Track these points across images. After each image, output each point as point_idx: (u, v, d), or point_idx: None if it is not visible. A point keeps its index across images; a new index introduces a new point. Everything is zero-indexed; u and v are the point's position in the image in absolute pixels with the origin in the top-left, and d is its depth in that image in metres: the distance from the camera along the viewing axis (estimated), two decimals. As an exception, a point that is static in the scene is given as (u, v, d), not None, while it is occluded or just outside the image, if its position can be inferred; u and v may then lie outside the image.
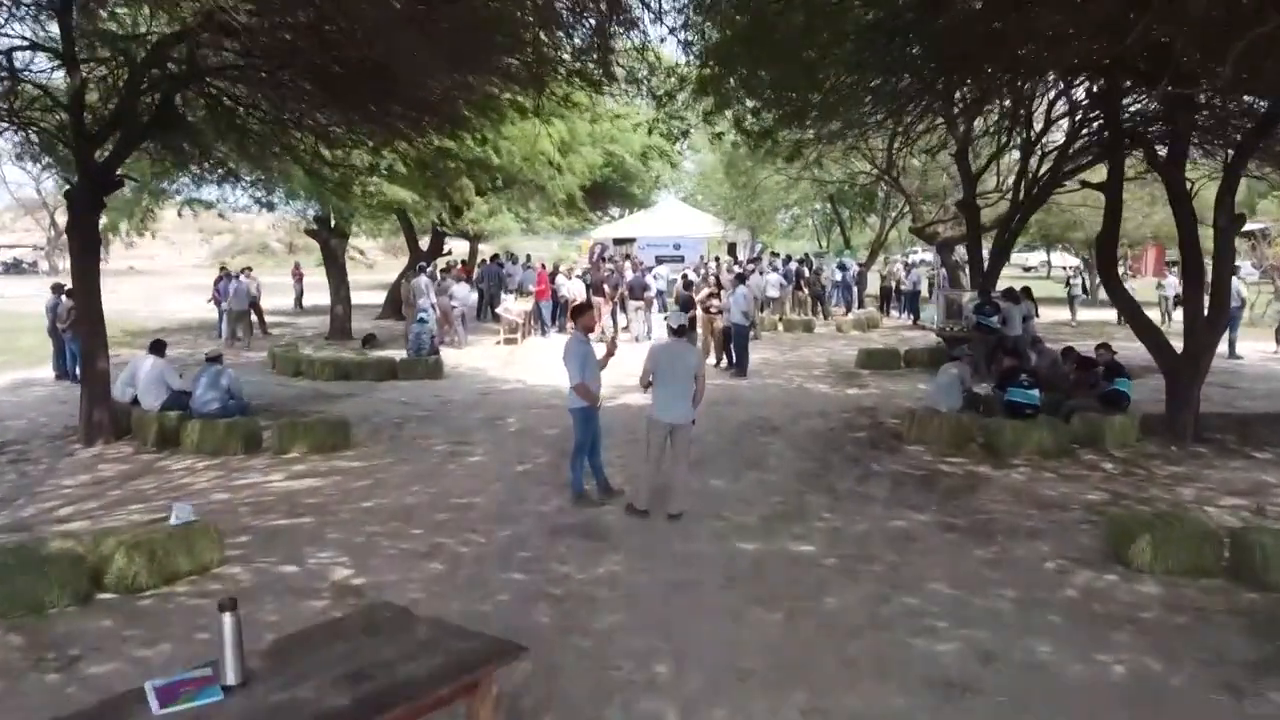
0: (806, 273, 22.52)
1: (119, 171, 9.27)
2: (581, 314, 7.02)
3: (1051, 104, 12.40)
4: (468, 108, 10.50)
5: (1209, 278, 8.80)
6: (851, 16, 8.23)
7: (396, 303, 20.24)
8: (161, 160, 11.15)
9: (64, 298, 12.16)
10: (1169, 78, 6.01)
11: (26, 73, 9.34)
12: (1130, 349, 13.04)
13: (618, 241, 30.87)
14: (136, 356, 9.99)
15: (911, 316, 21.76)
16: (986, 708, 3.93)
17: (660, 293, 21.08)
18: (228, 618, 2.78)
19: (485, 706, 3.02)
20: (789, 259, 23.30)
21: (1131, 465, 8.08)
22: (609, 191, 27.71)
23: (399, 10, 7.95)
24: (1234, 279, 10.58)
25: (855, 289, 23.50)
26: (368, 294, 27.19)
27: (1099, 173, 14.22)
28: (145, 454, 8.61)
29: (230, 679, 2.75)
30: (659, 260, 25.33)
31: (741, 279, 14.69)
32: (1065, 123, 12.83)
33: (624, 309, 18.18)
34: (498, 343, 17.05)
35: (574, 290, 18.09)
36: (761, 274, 19.89)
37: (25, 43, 8.92)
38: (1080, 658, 4.40)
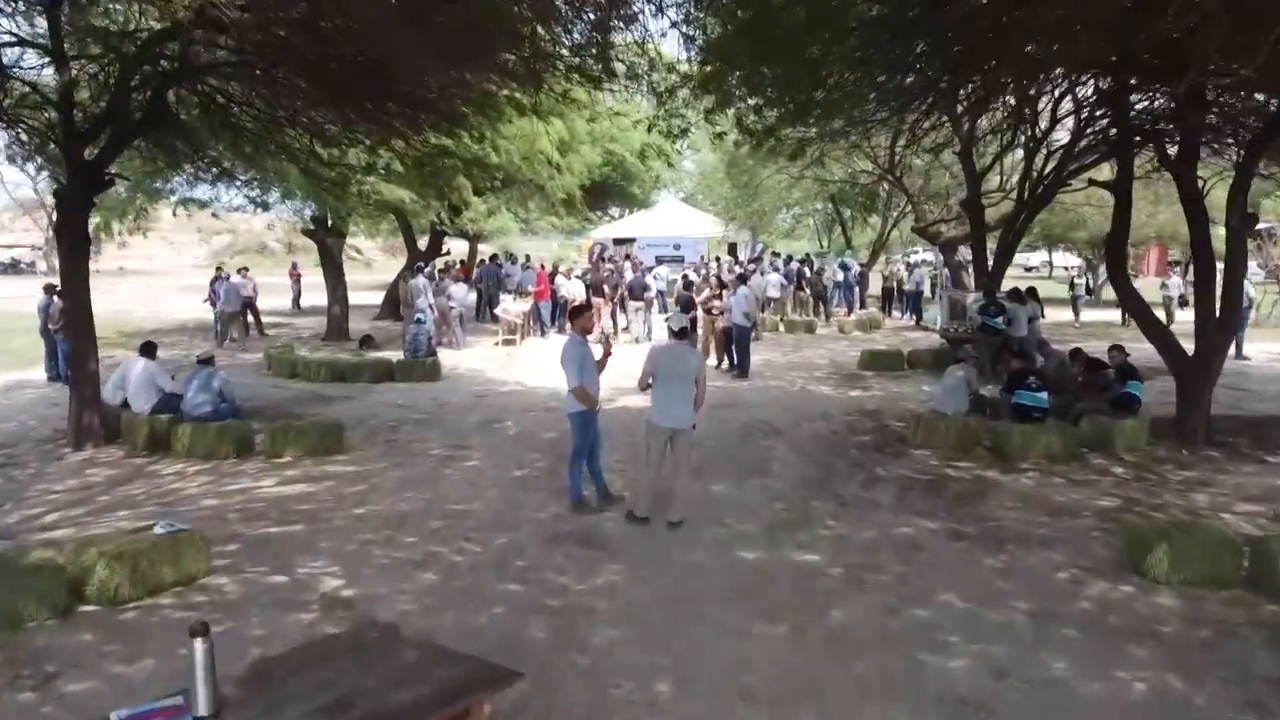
0: (808, 273, 22.34)
1: (110, 170, 9.11)
2: (579, 315, 6.83)
3: (1057, 102, 12.20)
4: (465, 105, 10.32)
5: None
6: (855, 12, 8.06)
7: (395, 303, 20.06)
8: (154, 159, 10.96)
9: (56, 298, 11.99)
10: (1189, 74, 5.81)
11: (15, 70, 9.17)
12: (1135, 350, 12.87)
13: (618, 241, 30.70)
14: (127, 358, 9.82)
15: (914, 317, 21.59)
16: (1003, 729, 3.77)
17: (660, 293, 20.92)
18: (199, 644, 2.60)
19: (477, 734, 2.85)
20: (790, 259, 23.11)
21: (1143, 470, 7.90)
22: (609, 191, 27.52)
23: (395, 6, 7.79)
24: (1242, 279, 10.40)
25: (857, 289, 23.32)
26: (366, 294, 27.01)
27: (1103, 172, 14.11)
28: (135, 458, 8.43)
29: (202, 709, 2.58)
30: (659, 260, 25.17)
31: (743, 279, 14.50)
32: (1070, 121, 12.69)
33: (624, 310, 18.00)
34: (496, 344, 16.88)
35: (573, 291, 17.92)
36: (762, 274, 19.71)
37: (13, 39, 8.74)
38: (1098, 674, 4.23)
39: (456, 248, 29.03)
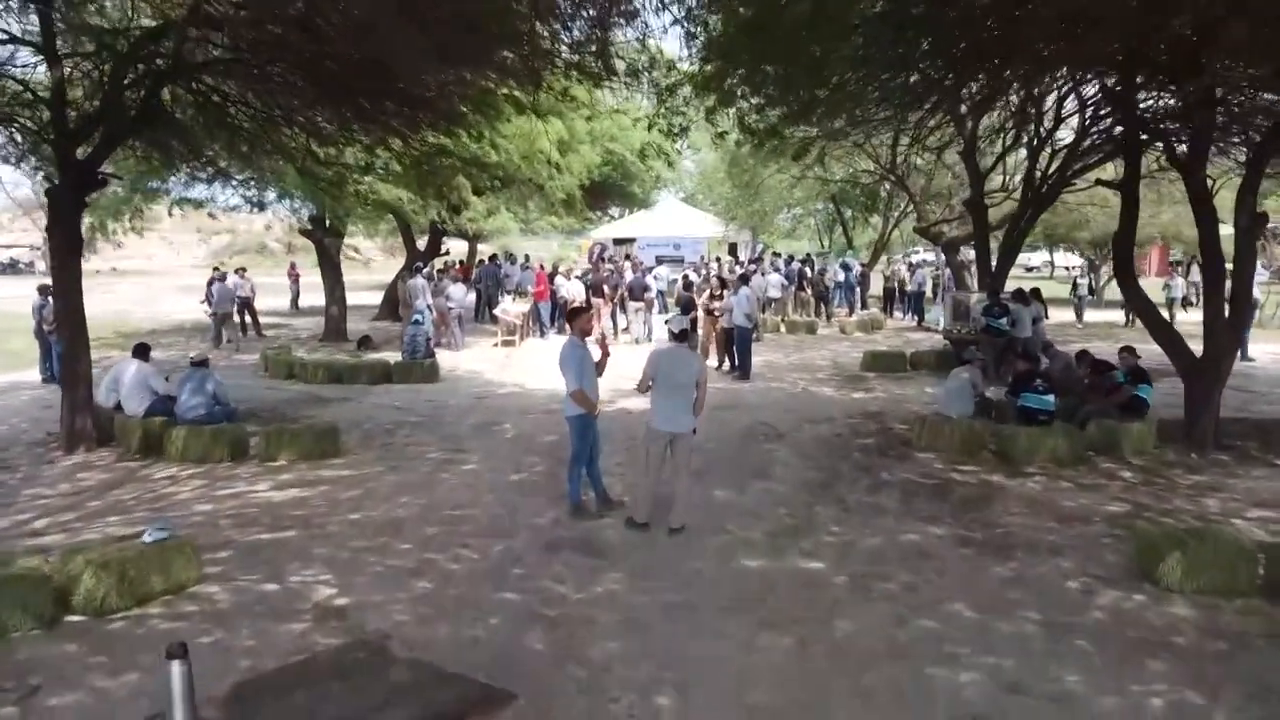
0: (809, 273, 22.20)
1: (103, 170, 8.98)
2: (577, 317, 6.69)
3: (1061, 100, 12.07)
4: (463, 104, 10.20)
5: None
6: (858, 9, 7.94)
7: (394, 303, 19.96)
8: (148, 158, 10.82)
9: (50, 299, 11.84)
10: (1204, 73, 5.68)
11: (7, 68, 9.04)
12: (1140, 351, 12.74)
13: (617, 241, 30.58)
14: (120, 360, 9.69)
15: (916, 318, 21.45)
16: (1016, 747, 3.64)
17: (661, 293, 20.79)
18: (176, 667, 2.47)
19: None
20: (791, 259, 22.97)
21: (1151, 474, 7.77)
22: (609, 191, 27.38)
23: (391, 2, 7.65)
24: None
25: (858, 290, 23.17)
26: (365, 294, 26.88)
27: (1106, 171, 13.99)
28: (128, 462, 8.30)
29: (180, 735, 2.45)
30: (659, 261, 25.04)
31: (745, 279, 14.37)
32: (1074, 120, 12.57)
33: (623, 310, 17.87)
34: (495, 345, 16.74)
35: (573, 291, 17.78)
36: (763, 274, 19.58)
37: (5, 36, 8.60)
38: (1113, 688, 4.10)
39: (456, 248, 28.85)
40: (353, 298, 21.49)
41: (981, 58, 8.94)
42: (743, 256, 29.78)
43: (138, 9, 9.29)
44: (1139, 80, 8.88)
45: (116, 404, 8.98)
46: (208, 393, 8.57)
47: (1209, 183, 8.45)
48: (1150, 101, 10.16)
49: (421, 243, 22.00)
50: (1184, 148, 8.92)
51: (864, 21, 8.05)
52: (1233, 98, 8.63)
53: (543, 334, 18.00)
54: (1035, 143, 12.61)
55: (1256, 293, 15.82)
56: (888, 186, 24.70)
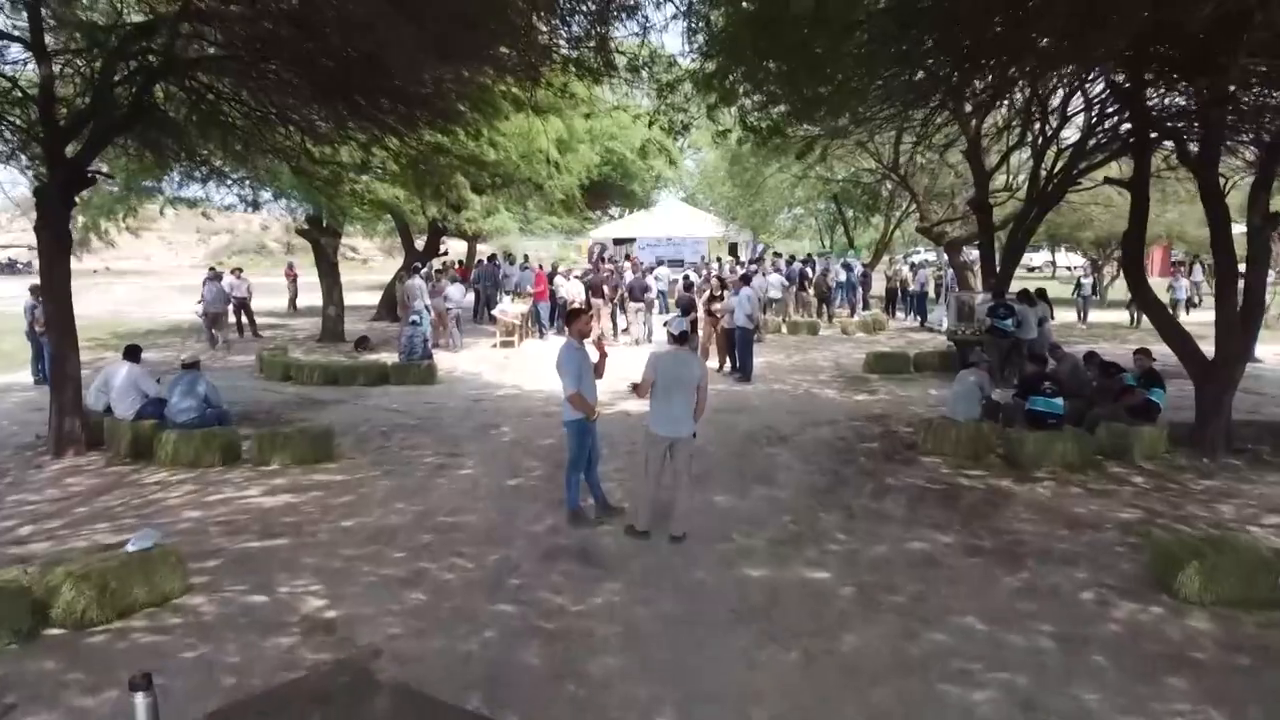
0: (810, 273, 22.02)
1: (92, 168, 8.82)
2: (576, 319, 6.51)
3: (1067, 98, 11.90)
4: (460, 101, 10.03)
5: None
6: (863, 4, 7.77)
7: (392, 304, 19.80)
8: (140, 157, 10.65)
9: (42, 299, 11.68)
10: (1221, 70, 5.51)
11: (-4, 64, 8.89)
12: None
13: (617, 241, 30.45)
14: (111, 362, 9.52)
15: (918, 318, 21.28)
16: (1034, 772, 3.47)
17: (662, 293, 20.62)
18: (140, 700, 2.30)
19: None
20: (793, 259, 22.78)
21: (1163, 479, 7.60)
22: (609, 190, 27.21)
23: (387, -2, 7.49)
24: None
25: (860, 290, 22.98)
26: (364, 294, 26.73)
27: (1110, 170, 13.82)
28: (117, 466, 8.14)
29: (145, 771, 2.28)
30: (660, 261, 24.87)
31: (746, 280, 14.19)
32: (1080, 118, 12.41)
33: (623, 311, 17.70)
34: (494, 345, 16.58)
35: (572, 291, 17.61)
36: (764, 275, 19.41)
37: (-8, 32, 8.46)
38: (1133, 708, 3.93)
39: (455, 248, 28.67)
40: (351, 298, 21.34)
41: (987, 55, 8.77)
42: (743, 256, 29.61)
43: (128, 4, 9.12)
44: (1149, 77, 8.72)
45: (106, 406, 8.80)
46: (199, 395, 8.40)
47: (1221, 181, 8.23)
48: (1158, 99, 10.01)
49: (420, 243, 21.83)
50: (1193, 146, 8.79)
51: (869, 17, 7.89)
52: (1241, 95, 8.47)
53: (542, 335, 17.84)
54: (1041, 141, 12.42)
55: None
56: (890, 186, 24.53)
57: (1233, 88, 7.89)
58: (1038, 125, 12.50)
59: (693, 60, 8.41)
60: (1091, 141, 11.76)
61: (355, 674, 2.85)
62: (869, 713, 3.90)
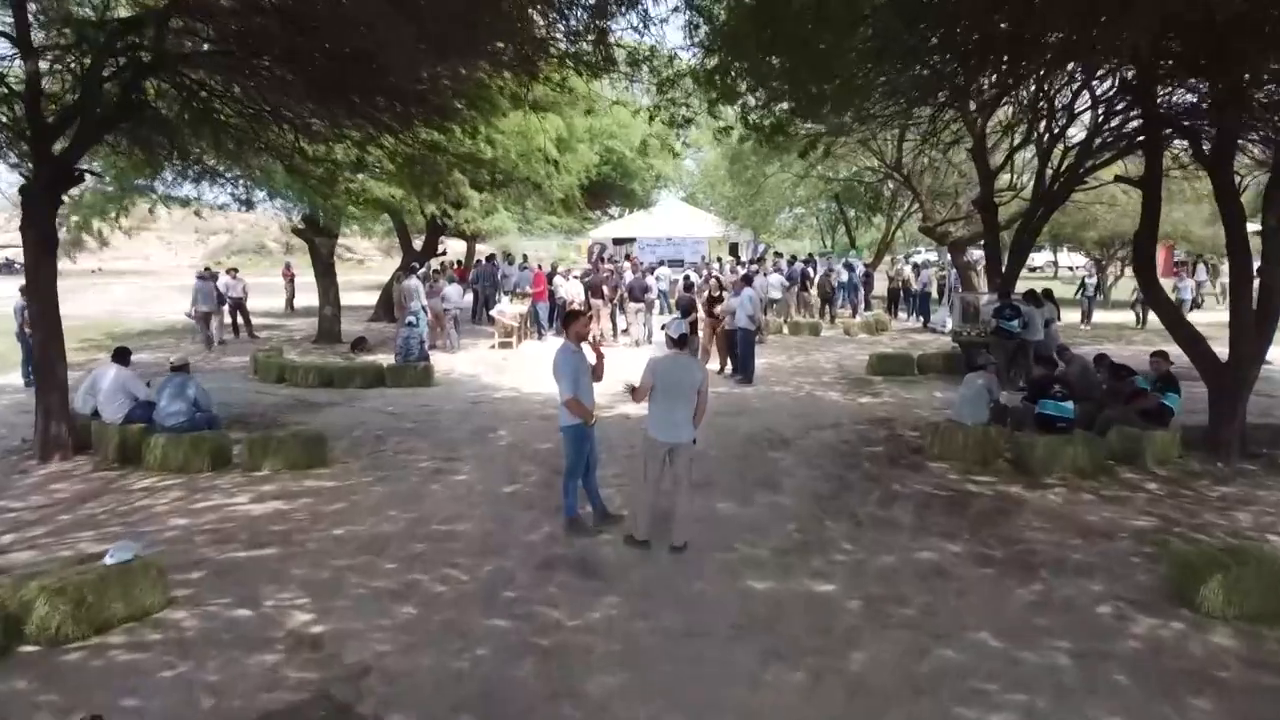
0: (812, 273, 21.82)
1: (80, 165, 8.63)
2: (573, 321, 6.31)
3: (1075, 95, 11.69)
4: (456, 98, 9.84)
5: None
6: (867, -1, 7.58)
7: (389, 304, 19.60)
8: (130, 155, 10.46)
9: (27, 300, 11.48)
10: (1243, 62, 5.31)
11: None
12: (1149, 352, 12.33)
13: (617, 241, 30.27)
14: (99, 365, 9.33)
15: (921, 319, 21.07)
16: (1057, 803, 3.28)
17: (663, 293, 20.43)
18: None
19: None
20: (794, 259, 22.58)
21: (1177, 485, 7.40)
22: (608, 190, 27.02)
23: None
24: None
25: (862, 290, 22.77)
26: (362, 295, 26.55)
27: (1115, 169, 13.63)
28: (104, 471, 7.95)
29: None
30: (661, 262, 24.67)
31: (748, 280, 13.99)
32: (1086, 117, 12.21)
33: (623, 311, 17.50)
34: (492, 346, 16.38)
35: (571, 291, 17.42)
36: (765, 275, 19.22)
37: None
38: (1158, 731, 3.74)
39: (454, 248, 28.46)
40: (349, 298, 21.17)
41: (995, 50, 8.58)
42: (744, 256, 29.43)
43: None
44: (1161, 73, 8.52)
45: (94, 410, 8.61)
46: (188, 398, 8.21)
47: (1236, 179, 8.03)
48: (1165, 96, 9.81)
49: (418, 242, 21.63)
50: (1202, 144, 8.59)
51: (873, 11, 7.70)
52: (1254, 92, 8.27)
53: (541, 335, 17.65)
54: (1047, 139, 12.22)
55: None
56: (892, 185, 24.33)
57: (1246, 79, 7.70)
58: (1043, 123, 12.30)
59: (694, 55, 8.20)
60: (1097, 141, 11.57)
61: (332, 710, 2.66)
62: (880, 737, 3.71)
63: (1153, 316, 19.60)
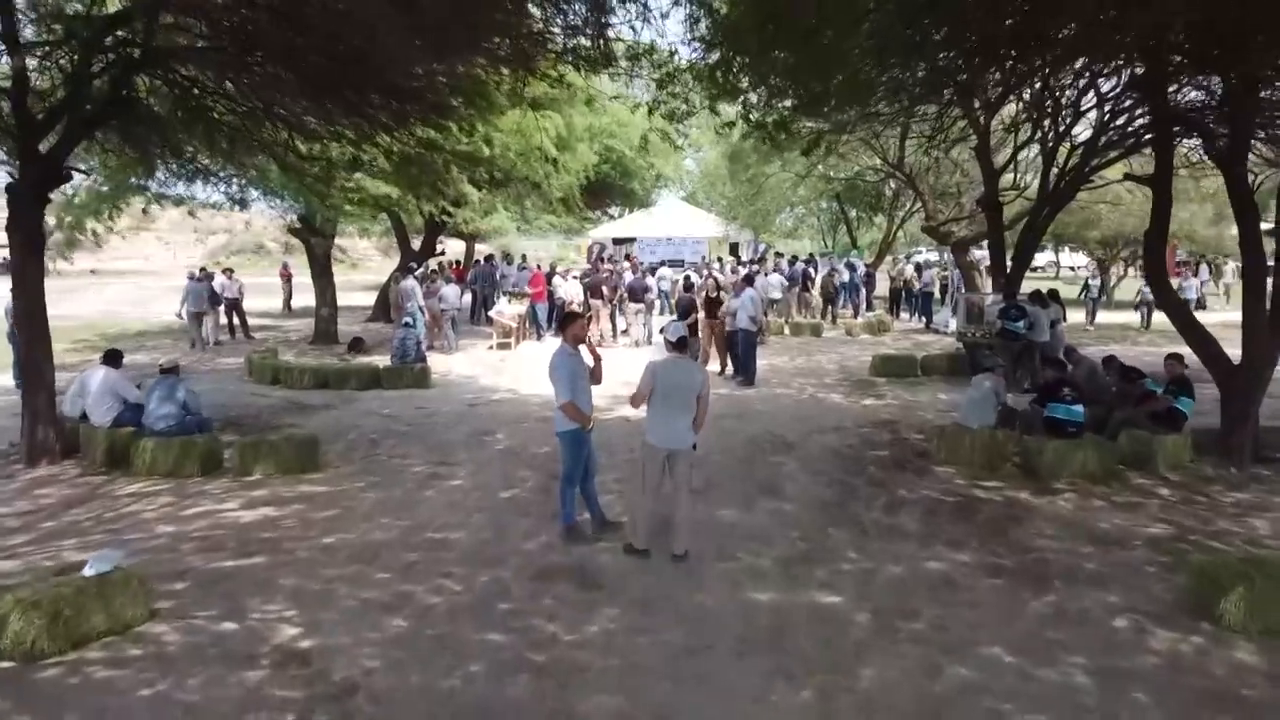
0: (813, 273, 21.63)
1: (68, 163, 8.45)
2: (570, 323, 6.13)
3: (1081, 93, 11.51)
4: (453, 95, 9.67)
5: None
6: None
7: (387, 305, 19.43)
8: (120, 154, 10.28)
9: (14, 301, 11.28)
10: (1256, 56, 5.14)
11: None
12: (1156, 354, 12.17)
13: (617, 241, 30.07)
14: (88, 367, 9.15)
15: (924, 320, 20.89)
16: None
17: (664, 293, 20.26)
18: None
19: None
20: (795, 259, 22.39)
21: (1190, 491, 7.22)
22: (608, 189, 26.84)
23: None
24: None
25: (863, 290, 22.59)
26: (360, 295, 26.39)
27: (1119, 168, 13.45)
28: (92, 476, 7.78)
29: None
30: (663, 262, 24.47)
31: (749, 280, 13.81)
32: (1092, 115, 12.03)
33: (623, 312, 17.32)
34: (490, 347, 16.20)
35: (570, 292, 17.23)
36: (765, 275, 19.04)
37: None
38: (1183, 755, 3.56)
39: (454, 247, 28.26)
40: (347, 299, 21.00)
41: (1000, 47, 8.41)
42: (744, 256, 29.25)
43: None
44: (1171, 69, 8.35)
45: (83, 413, 8.44)
46: (178, 401, 8.03)
47: (1250, 177, 7.86)
48: (1176, 93, 9.64)
49: (417, 242, 21.45)
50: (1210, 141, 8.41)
51: (877, 6, 7.52)
52: (1264, 88, 8.10)
53: (539, 336, 17.48)
54: (1053, 138, 12.04)
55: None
56: (893, 185, 24.15)
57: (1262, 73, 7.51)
58: (1048, 122, 12.12)
59: (694, 50, 8.01)
60: (1103, 139, 11.39)
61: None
62: (892, 761, 3.54)
63: (1157, 317, 19.49)
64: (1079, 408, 7.78)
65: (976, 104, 12.14)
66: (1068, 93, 11.74)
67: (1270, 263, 7.90)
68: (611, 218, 32.50)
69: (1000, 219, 13.36)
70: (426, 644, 4.52)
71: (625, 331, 17.22)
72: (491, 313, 17.52)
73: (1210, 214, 22.84)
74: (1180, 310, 8.63)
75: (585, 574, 5.44)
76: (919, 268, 23.08)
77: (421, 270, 18.01)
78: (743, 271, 18.16)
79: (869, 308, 22.41)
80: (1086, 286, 22.02)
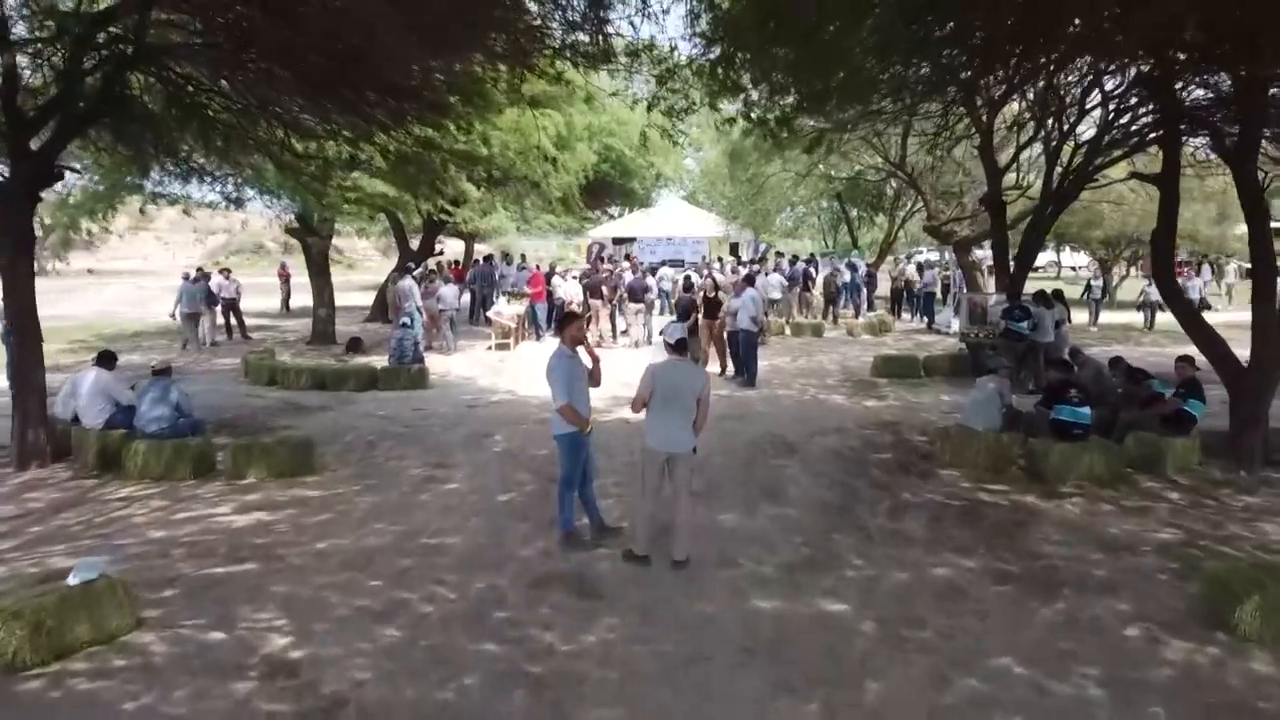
0: (814, 273, 21.50)
1: (59, 161, 8.32)
2: (568, 324, 6.00)
3: (1086, 91, 11.39)
4: (450, 92, 9.54)
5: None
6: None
7: (385, 305, 19.30)
8: (112, 151, 10.15)
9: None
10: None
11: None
12: (1160, 354, 12.08)
13: (617, 241, 29.94)
14: (80, 368, 9.03)
15: (925, 320, 20.76)
16: None
17: (664, 293, 20.13)
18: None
19: None
20: (796, 259, 22.27)
21: (1199, 495, 7.09)
22: (608, 189, 26.71)
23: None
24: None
25: (865, 290, 22.46)
26: (358, 295, 26.28)
27: (1122, 168, 13.33)
28: (83, 479, 7.65)
29: None
30: (665, 262, 24.34)
31: (750, 280, 13.69)
32: (1096, 114, 11.91)
33: (623, 312, 17.19)
34: (489, 348, 16.07)
35: (570, 292, 17.11)
36: (766, 275, 18.92)
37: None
38: (1202, 772, 3.43)
39: (453, 247, 28.12)
40: (345, 299, 20.87)
41: (1005, 44, 8.29)
42: (745, 256, 29.13)
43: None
44: (1179, 66, 8.22)
45: (75, 415, 8.31)
46: (171, 403, 7.91)
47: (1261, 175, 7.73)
48: (1182, 91, 9.51)
49: (416, 242, 21.32)
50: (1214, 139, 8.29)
51: (880, 3, 7.39)
52: (1274, 85, 7.97)
53: (539, 337, 17.35)
54: (1058, 136, 11.92)
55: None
56: (894, 184, 24.02)
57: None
58: (1051, 121, 12.00)
59: (695, 46, 7.88)
60: (1106, 138, 11.28)
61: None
62: (900, 779, 3.41)
63: (1160, 317, 19.39)
64: (1086, 410, 7.66)
65: (979, 102, 12.02)
66: (1072, 91, 11.63)
67: (1280, 262, 7.76)
68: (611, 217, 32.38)
69: (1004, 218, 13.24)
70: (419, 655, 4.40)
71: (625, 332, 17.09)
72: (490, 313, 17.39)
73: (1213, 213, 22.73)
74: (1189, 311, 8.51)
75: (583, 581, 5.32)
76: (921, 267, 22.95)
77: (419, 270, 17.89)
78: (743, 271, 18.03)
79: (870, 308, 22.28)
80: (1089, 287, 21.90)
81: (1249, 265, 25.69)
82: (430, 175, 12.57)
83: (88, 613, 4.42)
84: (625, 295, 16.80)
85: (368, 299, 23.03)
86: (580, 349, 5.88)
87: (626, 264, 20.22)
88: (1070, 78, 11.15)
